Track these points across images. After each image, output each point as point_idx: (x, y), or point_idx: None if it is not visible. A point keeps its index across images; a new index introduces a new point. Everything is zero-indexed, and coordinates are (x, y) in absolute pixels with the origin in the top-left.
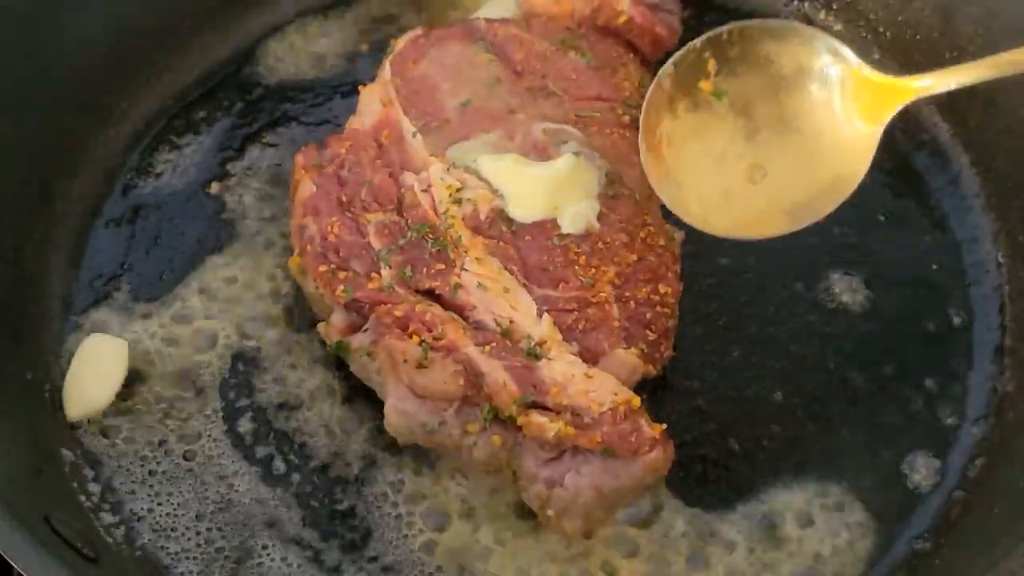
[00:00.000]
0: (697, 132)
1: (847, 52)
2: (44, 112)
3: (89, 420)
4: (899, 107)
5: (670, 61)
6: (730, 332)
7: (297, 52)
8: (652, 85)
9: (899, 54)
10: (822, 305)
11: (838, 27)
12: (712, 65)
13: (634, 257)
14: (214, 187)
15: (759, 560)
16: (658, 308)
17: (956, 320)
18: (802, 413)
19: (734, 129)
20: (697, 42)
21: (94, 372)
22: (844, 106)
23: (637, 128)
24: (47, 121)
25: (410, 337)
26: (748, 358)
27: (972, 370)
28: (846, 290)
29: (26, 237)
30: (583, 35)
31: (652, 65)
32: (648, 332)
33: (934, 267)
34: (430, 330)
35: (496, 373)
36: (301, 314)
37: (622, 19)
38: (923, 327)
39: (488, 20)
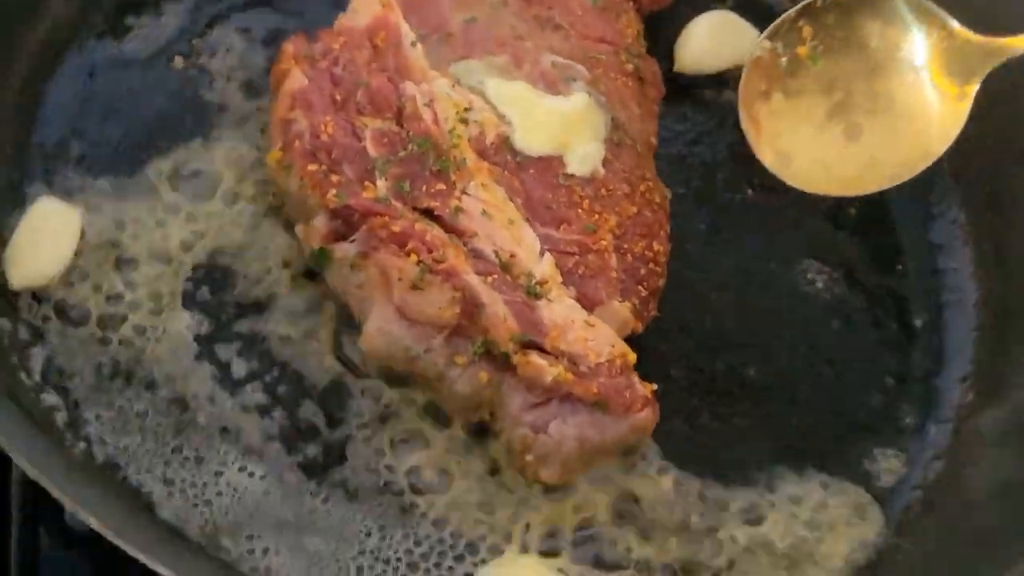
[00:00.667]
0: (795, 98)
1: (939, 11)
2: None
3: (33, 293)
4: (992, 67)
5: (766, 32)
6: (707, 301)
7: None
8: (751, 58)
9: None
10: (797, 289)
11: None
12: (807, 32)
13: (634, 209)
14: (178, 62)
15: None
16: (651, 265)
17: (918, 323)
18: (773, 394)
19: (830, 93)
20: (792, 12)
21: (44, 239)
22: (937, 66)
23: (639, 78)
24: None
25: (407, 255)
26: (722, 330)
27: (936, 375)
28: (820, 278)
29: None
30: None
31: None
32: (640, 288)
33: (904, 268)
34: (430, 251)
35: (496, 306)
36: (270, 212)
37: None
38: (889, 326)
39: None
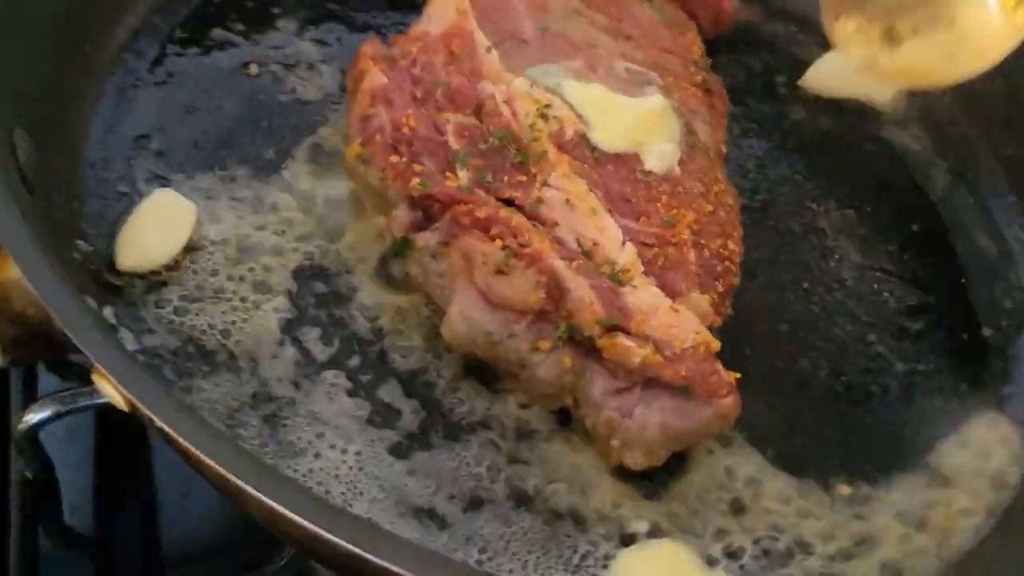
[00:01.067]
0: None
1: None
2: None
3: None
4: None
5: None
6: (779, 307)
7: None
8: None
9: None
10: (866, 297)
11: None
12: None
13: (709, 208)
14: (253, 68)
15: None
16: (727, 263)
17: (987, 333)
18: (847, 394)
19: None
20: None
21: (158, 226)
22: None
23: (707, 89)
24: None
25: (492, 240)
26: (796, 332)
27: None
28: (887, 287)
29: (60, 78)
30: None
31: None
32: (717, 284)
33: (968, 280)
34: (515, 236)
35: (582, 290)
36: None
37: None
38: (959, 336)
39: None
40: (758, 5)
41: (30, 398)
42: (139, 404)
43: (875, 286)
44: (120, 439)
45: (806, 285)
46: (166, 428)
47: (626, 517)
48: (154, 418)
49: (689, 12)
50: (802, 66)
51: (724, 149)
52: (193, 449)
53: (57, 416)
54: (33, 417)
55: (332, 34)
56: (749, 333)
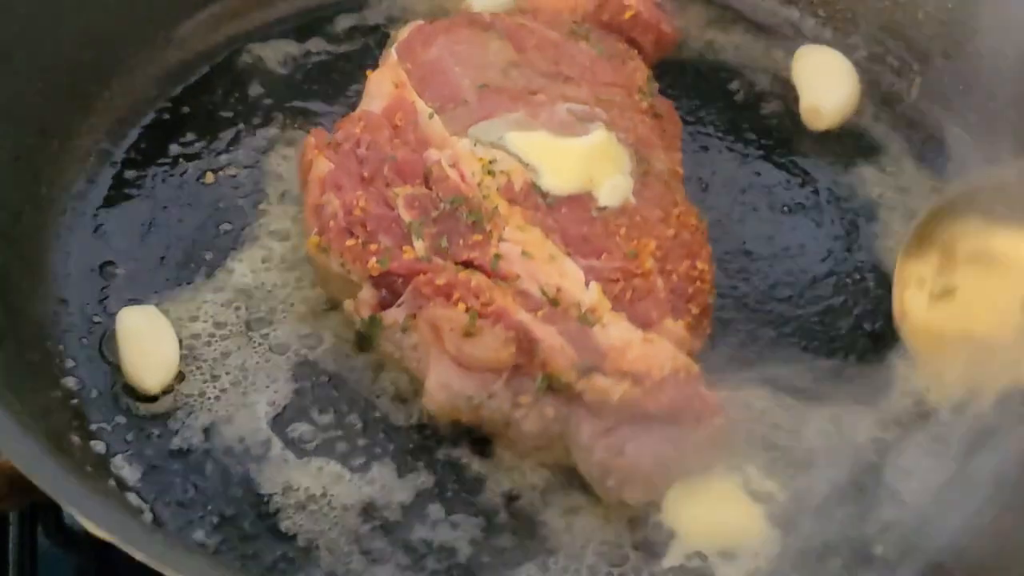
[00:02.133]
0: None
1: None
2: (27, 98)
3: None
4: None
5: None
6: (759, 313)
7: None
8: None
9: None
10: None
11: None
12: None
13: (671, 232)
14: (209, 177)
15: None
16: (698, 283)
17: None
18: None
19: None
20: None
21: (147, 340)
22: None
23: (655, 115)
24: (30, 109)
25: (455, 305)
26: (782, 337)
27: None
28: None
29: (17, 220)
30: (589, 29)
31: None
32: (691, 307)
33: None
34: (477, 296)
35: (552, 338)
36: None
37: (628, 14)
38: None
39: (493, 12)
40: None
41: None
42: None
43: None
44: None
45: (787, 293)
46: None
47: None
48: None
49: (630, 40)
50: (757, 72)
51: (681, 170)
52: None
53: None
54: None
55: (284, 130)
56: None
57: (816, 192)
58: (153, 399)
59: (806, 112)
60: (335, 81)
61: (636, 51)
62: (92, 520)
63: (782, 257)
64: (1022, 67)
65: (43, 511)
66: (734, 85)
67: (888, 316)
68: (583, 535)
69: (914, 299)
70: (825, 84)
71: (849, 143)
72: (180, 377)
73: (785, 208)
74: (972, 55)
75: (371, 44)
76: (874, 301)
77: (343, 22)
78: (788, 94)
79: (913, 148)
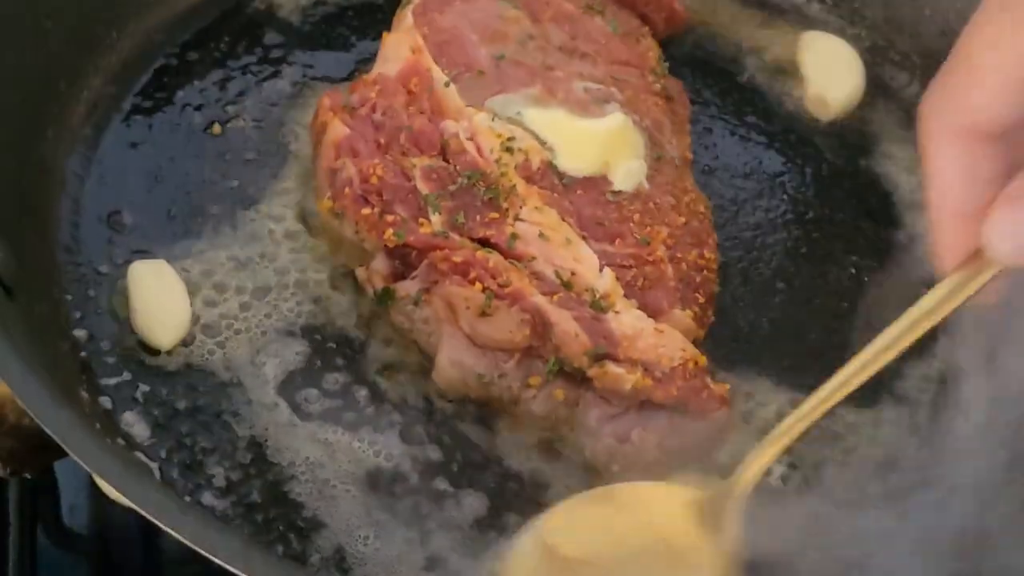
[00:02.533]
0: None
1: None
2: (35, 40)
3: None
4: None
5: None
6: (759, 304)
7: None
8: None
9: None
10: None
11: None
12: None
13: (682, 220)
14: (216, 128)
15: None
16: (705, 272)
17: None
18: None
19: None
20: None
21: (160, 295)
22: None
23: (666, 97)
24: (37, 51)
25: (472, 284)
26: (779, 329)
27: None
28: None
29: (22, 164)
30: (603, 3)
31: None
32: (698, 295)
33: None
34: (494, 277)
35: (566, 323)
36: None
37: None
38: None
39: None
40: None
41: None
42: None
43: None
44: None
45: (785, 282)
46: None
47: None
48: (159, 524)
49: (641, 16)
50: (762, 53)
51: (690, 155)
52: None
53: None
54: None
55: (295, 85)
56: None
57: (819, 181)
58: (161, 355)
59: (812, 101)
60: (347, 36)
61: (648, 28)
62: (107, 478)
63: (782, 244)
64: None
65: (43, 511)
66: (737, 67)
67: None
68: None
69: None
70: (833, 74)
71: (852, 134)
72: (191, 336)
73: (785, 196)
74: None
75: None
76: None
77: None
78: (792, 80)
79: (912, 140)
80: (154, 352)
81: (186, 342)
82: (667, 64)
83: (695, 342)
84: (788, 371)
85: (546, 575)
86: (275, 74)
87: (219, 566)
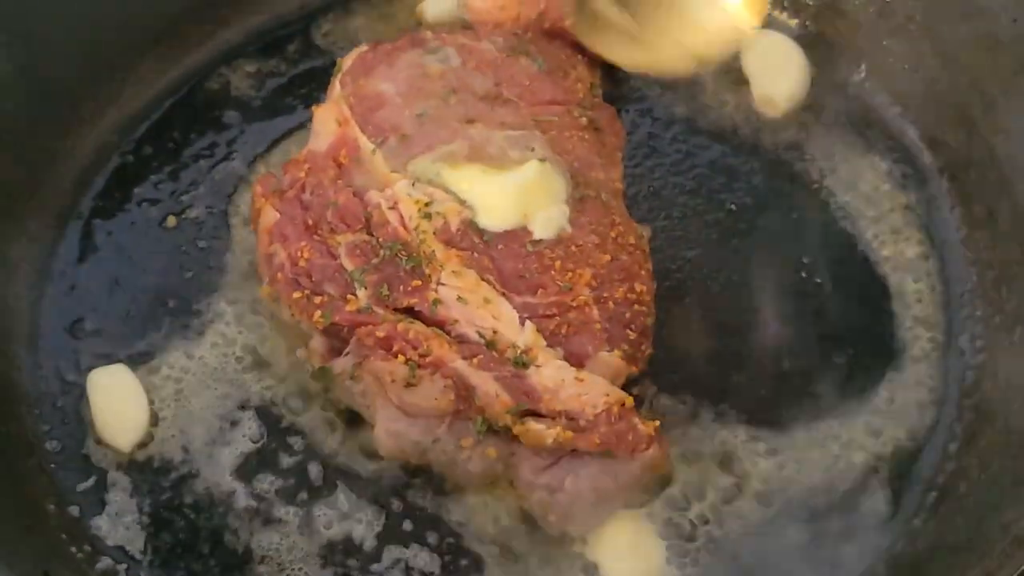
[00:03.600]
0: None
1: None
2: None
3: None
4: None
5: None
6: (705, 323)
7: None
8: None
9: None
10: (796, 289)
11: None
12: None
13: (607, 257)
14: (171, 221)
15: None
16: (636, 306)
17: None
18: (790, 399)
19: None
20: None
21: (119, 401)
22: None
23: (595, 129)
24: None
25: (395, 356)
26: (728, 347)
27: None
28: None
29: None
30: (531, 40)
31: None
32: (628, 332)
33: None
34: (415, 347)
35: (487, 384)
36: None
37: (569, 20)
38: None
39: (435, 32)
40: None
41: None
42: None
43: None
44: None
45: (733, 293)
46: None
47: None
48: None
49: (574, 45)
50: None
51: (620, 186)
52: None
53: None
54: None
55: (248, 165)
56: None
57: (771, 181)
58: (123, 455)
59: (760, 101)
60: (293, 106)
61: (580, 56)
62: None
63: (732, 257)
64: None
65: None
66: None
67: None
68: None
69: None
70: (777, 71)
71: (795, 131)
72: (149, 435)
73: (732, 206)
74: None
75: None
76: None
77: (295, 44)
78: (735, 81)
79: (858, 130)
80: (116, 454)
81: (144, 441)
82: (600, 92)
83: (630, 377)
84: (735, 390)
85: None
86: (228, 156)
87: None
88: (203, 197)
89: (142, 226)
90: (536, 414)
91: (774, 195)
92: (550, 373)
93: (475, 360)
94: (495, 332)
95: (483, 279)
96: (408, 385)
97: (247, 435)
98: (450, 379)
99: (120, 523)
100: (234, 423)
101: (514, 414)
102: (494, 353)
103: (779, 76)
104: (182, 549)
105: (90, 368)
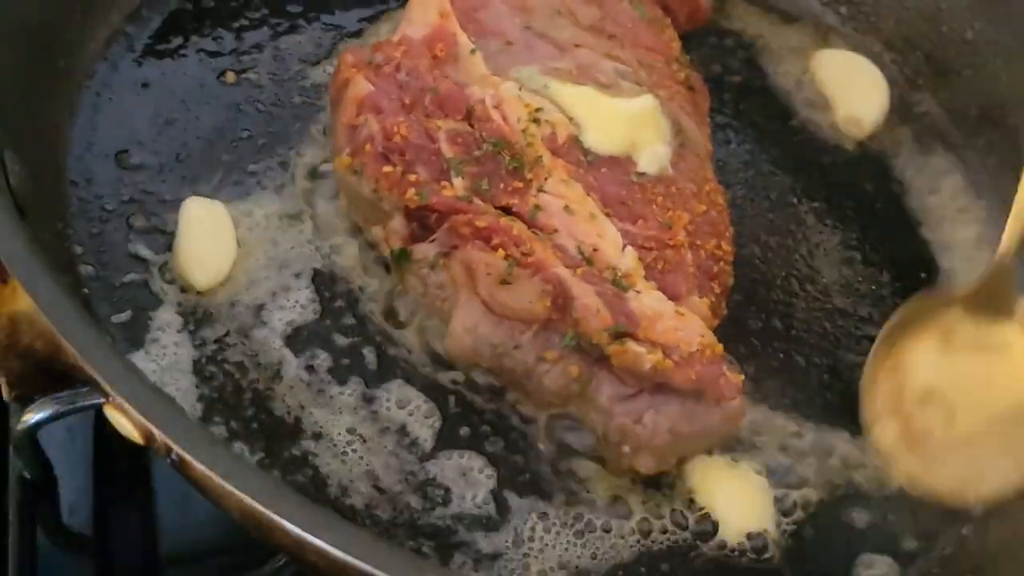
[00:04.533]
0: None
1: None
2: None
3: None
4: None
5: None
6: (770, 303)
7: None
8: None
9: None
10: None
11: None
12: None
13: (702, 208)
14: (230, 76)
15: None
16: (721, 263)
17: None
18: (845, 387)
19: None
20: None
21: (207, 236)
22: None
23: (690, 87)
24: None
25: (494, 250)
26: (789, 329)
27: None
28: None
29: (32, 88)
30: None
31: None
32: (714, 285)
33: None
34: (517, 245)
35: (588, 298)
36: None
37: None
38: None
39: None
40: None
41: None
42: (158, 434)
43: (860, 277)
44: (119, 438)
45: (794, 280)
46: (190, 460)
47: None
48: (175, 447)
49: (664, 8)
50: (774, 56)
51: (710, 147)
52: (221, 482)
53: (56, 416)
54: (32, 417)
55: (313, 42)
56: (742, 331)
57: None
58: (168, 297)
59: (844, 122)
60: None
61: (669, 20)
62: (133, 403)
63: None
64: None
65: (43, 511)
66: (753, 70)
67: None
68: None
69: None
70: (860, 93)
71: (869, 150)
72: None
73: (794, 201)
74: (992, 78)
75: None
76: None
77: None
78: (809, 90)
79: (926, 156)
80: (155, 297)
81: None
82: (688, 58)
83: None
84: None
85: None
86: (292, 28)
87: (220, 563)
88: (266, 63)
89: (198, 76)
90: (632, 338)
91: (847, 196)
92: (650, 301)
93: (578, 271)
94: (595, 250)
95: (588, 195)
96: (503, 282)
97: (303, 305)
98: (549, 284)
99: (157, 365)
100: (287, 292)
101: (611, 333)
102: (594, 270)
103: (863, 98)
104: (223, 405)
105: (132, 200)
